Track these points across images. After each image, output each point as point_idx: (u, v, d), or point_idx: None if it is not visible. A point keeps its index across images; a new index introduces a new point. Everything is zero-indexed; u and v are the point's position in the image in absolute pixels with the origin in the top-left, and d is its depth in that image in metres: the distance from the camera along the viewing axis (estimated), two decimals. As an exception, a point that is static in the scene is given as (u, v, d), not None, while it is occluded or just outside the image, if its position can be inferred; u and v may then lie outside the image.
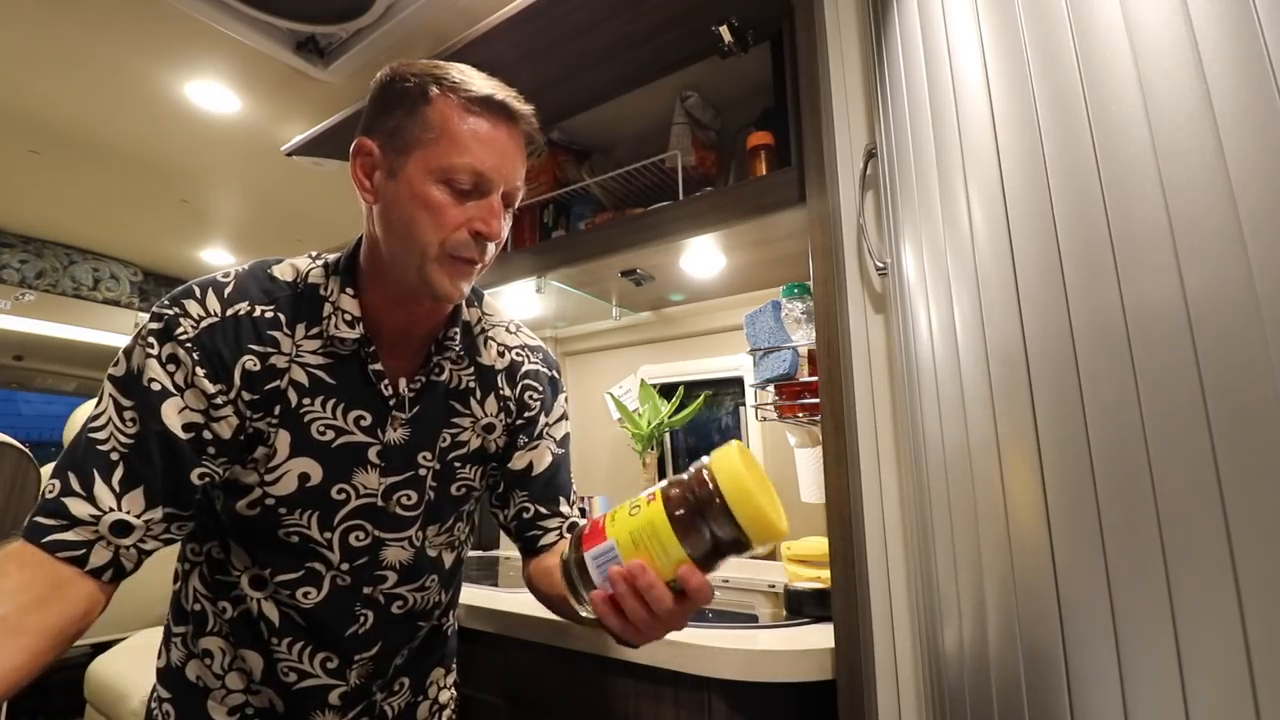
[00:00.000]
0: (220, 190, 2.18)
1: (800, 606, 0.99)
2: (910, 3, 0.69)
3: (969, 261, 0.57)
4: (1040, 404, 0.50)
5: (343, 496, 0.68)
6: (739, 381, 1.58)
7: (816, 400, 1.08)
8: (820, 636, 0.87)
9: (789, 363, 1.16)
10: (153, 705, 0.74)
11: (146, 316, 0.63)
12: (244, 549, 0.68)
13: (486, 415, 0.76)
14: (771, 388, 1.20)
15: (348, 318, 0.66)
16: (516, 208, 0.70)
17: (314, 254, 0.71)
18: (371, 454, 0.69)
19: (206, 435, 0.62)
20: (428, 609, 0.77)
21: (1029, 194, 0.52)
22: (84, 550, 0.57)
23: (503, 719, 1.07)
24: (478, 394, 0.75)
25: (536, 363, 0.81)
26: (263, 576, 0.68)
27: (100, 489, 0.58)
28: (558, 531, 0.79)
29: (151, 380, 0.60)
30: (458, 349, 0.73)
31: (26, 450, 1.94)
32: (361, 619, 0.71)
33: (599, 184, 1.40)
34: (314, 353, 0.66)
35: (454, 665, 0.89)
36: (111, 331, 2.72)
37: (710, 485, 0.48)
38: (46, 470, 1.91)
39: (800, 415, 1.17)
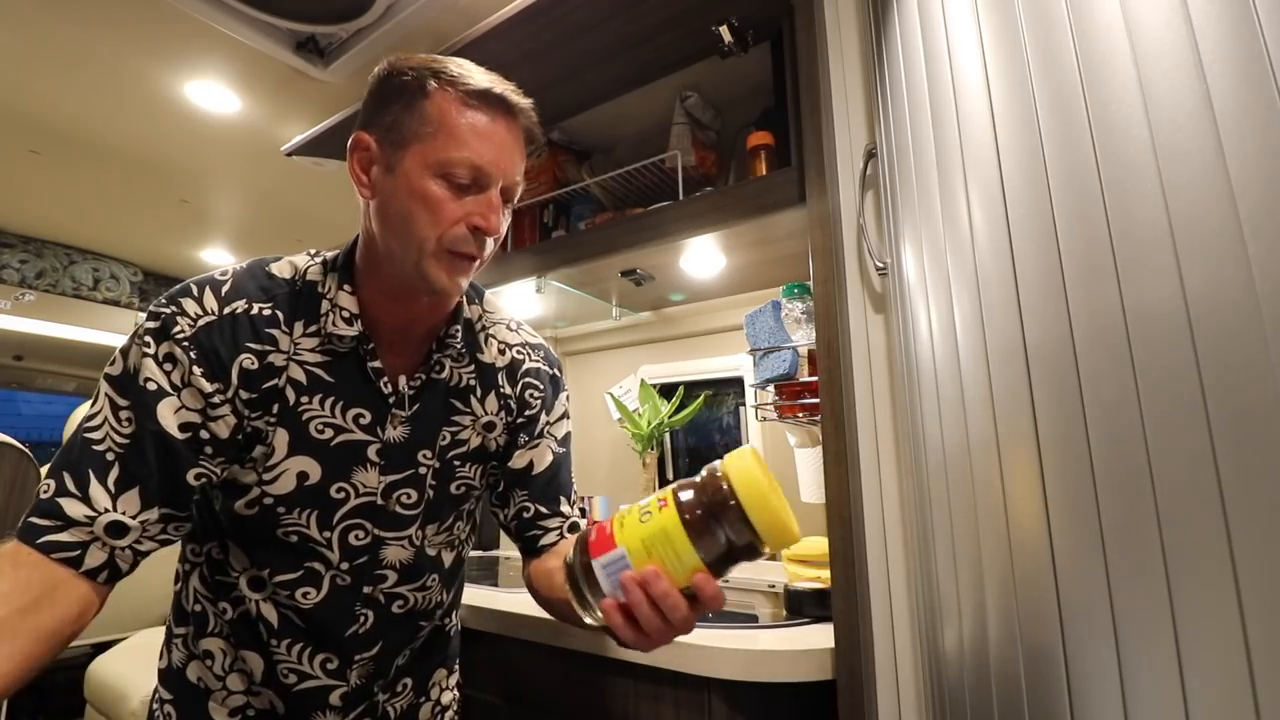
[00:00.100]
0: (220, 190, 2.18)
1: (800, 606, 0.99)
2: (910, 3, 0.69)
3: (969, 261, 0.57)
4: (1040, 404, 0.50)
5: (342, 495, 0.68)
6: (739, 381, 1.58)
7: (816, 400, 1.08)
8: (820, 636, 0.87)
9: (789, 363, 1.16)
10: (154, 706, 0.74)
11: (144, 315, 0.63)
12: (243, 549, 0.68)
13: (487, 413, 0.75)
14: (771, 388, 1.20)
15: (345, 315, 0.66)
16: (516, 204, 0.69)
17: (313, 251, 0.71)
18: (371, 452, 0.68)
19: (204, 435, 0.62)
20: (429, 609, 0.77)
21: (1029, 194, 0.52)
22: (79, 551, 0.56)
23: (502, 719, 1.07)
24: (478, 392, 0.75)
25: (538, 361, 0.80)
26: (261, 577, 0.68)
27: (95, 489, 0.57)
28: (558, 531, 0.79)
29: (148, 380, 0.60)
30: (458, 346, 0.72)
31: (26, 450, 1.94)
32: (361, 619, 0.71)
33: (599, 184, 1.40)
34: (312, 350, 0.66)
35: (457, 666, 0.89)
36: (111, 331, 2.73)
37: (725, 489, 0.47)
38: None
39: (800, 415, 1.17)
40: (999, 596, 0.52)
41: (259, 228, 2.52)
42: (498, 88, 0.63)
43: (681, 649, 0.85)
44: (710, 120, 1.37)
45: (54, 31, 1.38)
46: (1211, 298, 0.41)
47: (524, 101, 0.66)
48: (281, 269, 0.68)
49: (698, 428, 1.68)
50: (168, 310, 0.62)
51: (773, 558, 1.37)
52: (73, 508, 0.56)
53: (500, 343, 0.78)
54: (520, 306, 1.66)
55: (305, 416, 0.65)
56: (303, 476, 0.66)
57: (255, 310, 0.64)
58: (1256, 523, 0.38)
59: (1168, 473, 0.42)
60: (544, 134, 1.52)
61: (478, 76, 0.63)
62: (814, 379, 1.10)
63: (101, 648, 1.87)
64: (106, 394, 0.60)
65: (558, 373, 0.83)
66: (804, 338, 1.16)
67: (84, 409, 0.62)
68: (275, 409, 0.65)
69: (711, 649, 0.84)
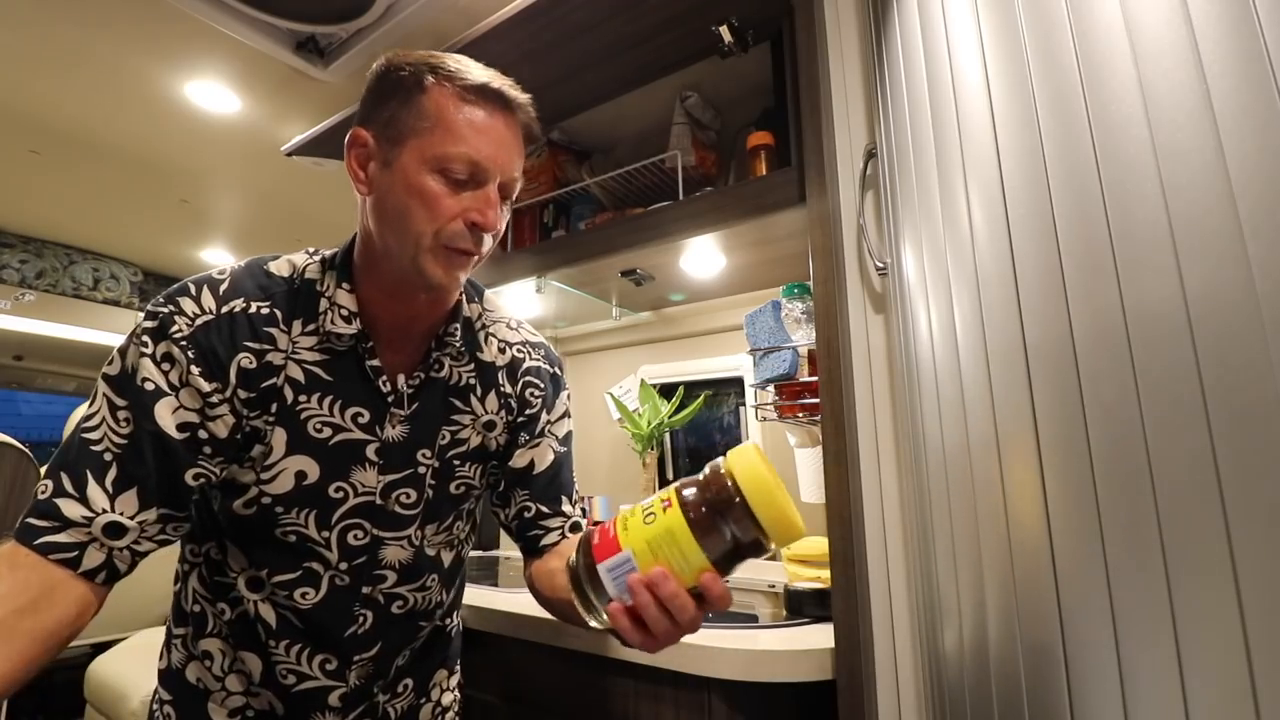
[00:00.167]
0: (220, 190, 2.19)
1: (800, 606, 0.99)
2: (910, 3, 0.69)
3: (969, 261, 0.57)
4: (1040, 404, 0.50)
5: (340, 495, 0.67)
6: (739, 381, 1.58)
7: (816, 400, 1.08)
8: (820, 636, 0.87)
9: (789, 363, 1.16)
10: (154, 707, 0.74)
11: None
12: (241, 549, 0.68)
13: (487, 412, 0.75)
14: (771, 388, 1.20)
15: (344, 313, 0.66)
16: (515, 202, 0.69)
17: (311, 250, 0.71)
18: (369, 451, 0.68)
19: (202, 435, 0.61)
20: (429, 609, 0.77)
21: (1029, 194, 0.52)
22: (77, 552, 0.56)
23: (502, 719, 1.07)
24: (478, 391, 0.75)
25: (538, 359, 0.80)
26: (260, 578, 0.68)
27: (93, 490, 0.57)
28: (560, 531, 0.79)
29: (145, 380, 0.59)
30: (458, 345, 0.72)
31: (26, 450, 1.94)
32: (360, 619, 0.71)
33: (599, 184, 1.40)
34: (310, 349, 0.66)
35: (458, 666, 0.88)
36: (111, 331, 2.73)
37: (731, 486, 0.47)
38: (46, 470, 1.91)
39: (800, 415, 1.17)
40: (999, 596, 0.52)
41: (259, 228, 2.52)
42: (495, 82, 0.63)
43: (681, 649, 0.85)
44: (710, 120, 1.37)
45: (54, 31, 1.38)
46: (1211, 298, 0.41)
47: (522, 97, 0.65)
48: (280, 267, 0.68)
49: (698, 428, 1.68)
50: (165, 310, 0.62)
51: (773, 557, 1.37)
52: (70, 508, 0.56)
53: (500, 341, 0.78)
54: (520, 306, 1.66)
55: (303, 415, 0.65)
56: (301, 476, 0.66)
57: (253, 309, 0.64)
58: (1256, 523, 0.38)
59: (1168, 473, 0.42)
60: (544, 134, 1.52)
61: (475, 71, 0.63)
62: (814, 379, 1.10)
63: (101, 648, 1.87)
64: (104, 394, 0.60)
65: (559, 371, 0.83)
66: (804, 338, 1.16)
67: (83, 409, 0.61)
68: (274, 408, 0.64)
69: (711, 649, 0.83)
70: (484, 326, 0.77)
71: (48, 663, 0.54)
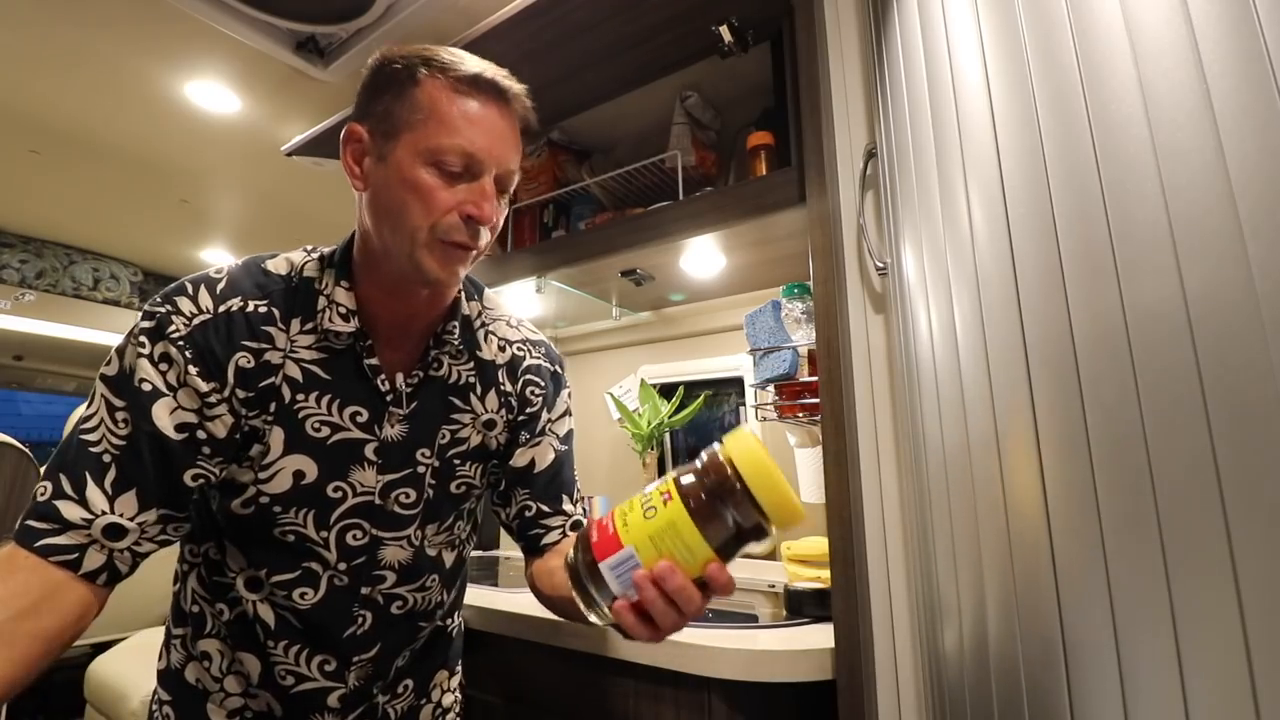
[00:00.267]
0: (220, 190, 2.19)
1: (800, 606, 0.98)
2: (910, 3, 0.69)
3: (969, 261, 0.57)
4: (1040, 404, 0.50)
5: (339, 494, 0.67)
6: (739, 381, 1.58)
7: (816, 400, 1.08)
8: (820, 636, 0.87)
9: (789, 363, 1.16)
10: (153, 707, 0.74)
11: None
12: (239, 549, 0.68)
13: (487, 411, 0.75)
14: (771, 388, 1.20)
15: (342, 311, 0.65)
16: (512, 196, 0.68)
17: (309, 248, 0.70)
18: (368, 451, 0.68)
19: (201, 435, 0.61)
20: (429, 609, 0.77)
21: (1029, 194, 0.52)
22: (77, 554, 0.56)
23: (502, 718, 1.07)
24: (478, 389, 0.74)
25: (539, 358, 0.80)
26: (258, 578, 0.68)
27: (92, 491, 0.57)
28: (561, 530, 0.79)
29: (143, 380, 0.59)
30: (456, 343, 0.72)
31: (26, 450, 1.94)
32: (360, 620, 0.70)
33: (599, 184, 1.40)
34: (309, 348, 0.65)
35: (459, 667, 0.88)
36: (111, 331, 2.73)
37: (730, 472, 0.46)
38: (46, 470, 1.92)
39: (800, 415, 1.17)
40: (999, 596, 0.52)
41: (259, 228, 2.52)
42: (489, 73, 0.63)
43: (681, 649, 0.85)
44: (710, 120, 1.37)
45: (54, 31, 1.38)
46: (1211, 298, 0.41)
47: (517, 87, 0.65)
48: (277, 265, 0.68)
49: (698, 428, 1.68)
50: (163, 309, 0.61)
51: (772, 557, 1.37)
52: (70, 510, 0.56)
53: (500, 339, 0.77)
54: (520, 306, 1.66)
55: (302, 414, 0.65)
56: (299, 475, 0.65)
57: (251, 308, 0.64)
58: (1256, 523, 0.38)
59: (1168, 472, 0.42)
60: (544, 133, 1.52)
61: (469, 63, 0.63)
62: (814, 379, 1.10)
63: (101, 648, 1.87)
64: (102, 394, 0.60)
65: (559, 370, 0.83)
66: (804, 338, 1.16)
67: (81, 410, 0.61)
68: (272, 407, 0.64)
69: (711, 649, 0.83)
70: (484, 324, 0.77)
71: (49, 665, 0.54)
